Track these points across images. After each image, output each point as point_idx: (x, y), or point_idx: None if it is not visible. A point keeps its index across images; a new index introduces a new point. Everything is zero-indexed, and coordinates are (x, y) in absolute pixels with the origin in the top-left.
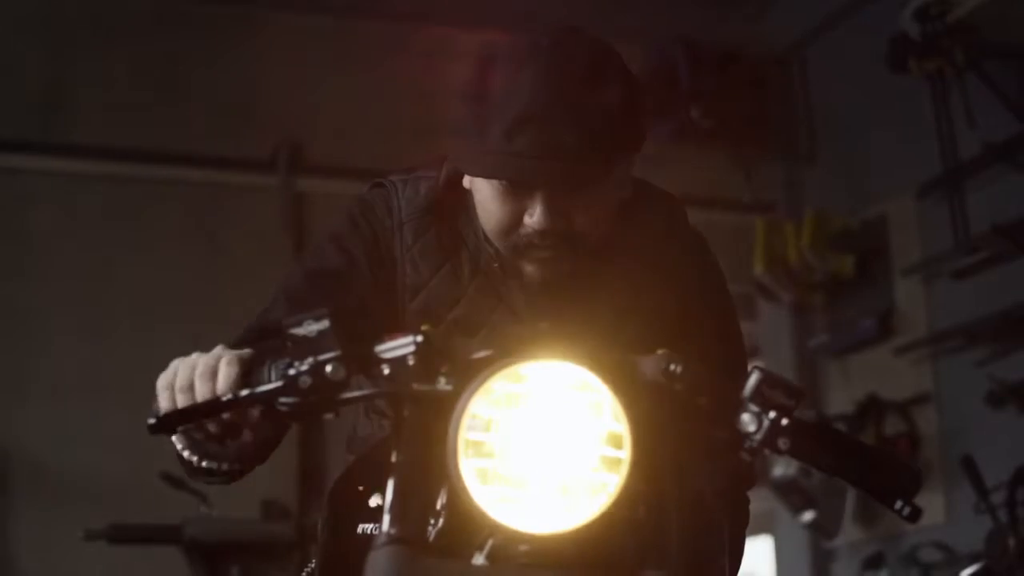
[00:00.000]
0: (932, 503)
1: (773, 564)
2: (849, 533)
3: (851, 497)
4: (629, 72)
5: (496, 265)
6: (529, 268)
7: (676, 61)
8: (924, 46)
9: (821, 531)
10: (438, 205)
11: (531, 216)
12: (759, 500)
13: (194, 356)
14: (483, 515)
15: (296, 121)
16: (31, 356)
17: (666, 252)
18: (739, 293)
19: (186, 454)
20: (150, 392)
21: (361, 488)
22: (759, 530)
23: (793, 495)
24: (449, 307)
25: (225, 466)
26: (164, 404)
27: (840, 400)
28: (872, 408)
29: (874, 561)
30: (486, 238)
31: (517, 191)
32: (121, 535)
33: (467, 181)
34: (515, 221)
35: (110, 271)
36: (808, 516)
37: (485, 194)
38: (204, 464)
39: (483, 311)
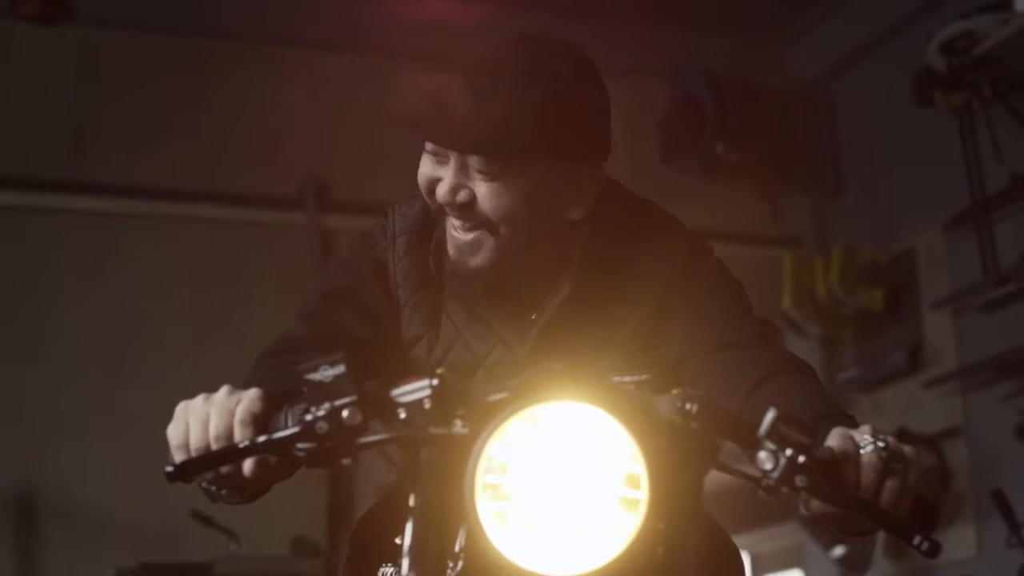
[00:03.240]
0: (963, 537)
1: None
2: (879, 567)
3: (882, 531)
4: (596, 83)
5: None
6: (452, 251)
7: (702, 96)
8: (950, 79)
9: (851, 566)
10: (424, 220)
11: (441, 185)
12: (790, 534)
13: (201, 404)
14: (501, 558)
15: (322, 158)
16: (57, 393)
17: (651, 259)
18: None
19: (204, 485)
20: None
21: (382, 530)
22: (789, 564)
23: (823, 530)
24: (433, 321)
25: (246, 494)
26: (179, 457)
27: None
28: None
29: None
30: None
31: (437, 159)
32: (151, 574)
33: None
34: (430, 187)
35: (136, 309)
36: (838, 551)
37: (423, 158)
38: (223, 493)
39: (458, 320)
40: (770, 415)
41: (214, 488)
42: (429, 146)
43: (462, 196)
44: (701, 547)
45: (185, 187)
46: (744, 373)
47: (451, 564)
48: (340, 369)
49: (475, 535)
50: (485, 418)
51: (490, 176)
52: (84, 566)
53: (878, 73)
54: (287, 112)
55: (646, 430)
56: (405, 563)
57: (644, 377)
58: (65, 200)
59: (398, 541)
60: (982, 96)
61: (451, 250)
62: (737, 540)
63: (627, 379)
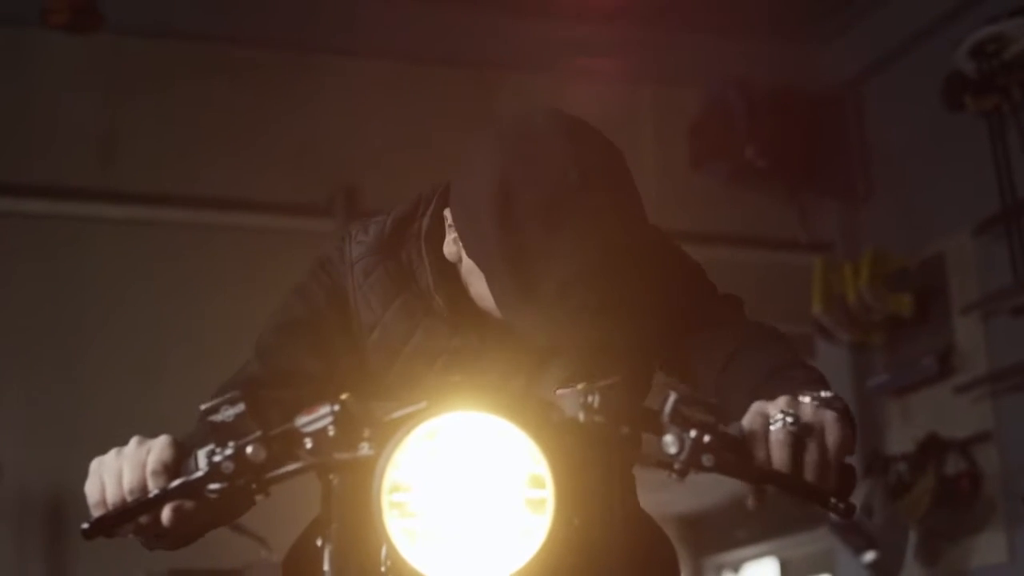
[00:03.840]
0: (994, 542)
1: None
2: (911, 572)
3: (913, 537)
4: (630, 177)
5: (447, 315)
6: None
7: (731, 101)
8: (980, 83)
9: (882, 572)
10: (386, 243)
11: None
12: (820, 540)
13: (113, 459)
14: (417, 574)
15: (352, 165)
16: (87, 400)
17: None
18: (797, 333)
19: (132, 536)
20: None
21: (310, 559)
22: (819, 570)
23: (854, 535)
24: (404, 340)
25: (176, 541)
26: (96, 513)
27: (900, 439)
28: (933, 447)
29: None
30: (450, 289)
31: None
32: None
33: (472, 277)
34: None
35: (164, 317)
36: (869, 556)
37: (484, 294)
38: (155, 540)
39: (439, 339)
40: (671, 398)
41: (142, 539)
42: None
43: None
44: (625, 539)
45: (215, 195)
46: (715, 352)
47: None
48: (240, 408)
49: (391, 554)
50: (387, 437)
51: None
52: (115, 572)
53: (907, 77)
54: (317, 119)
55: (546, 430)
56: None
57: (608, 382)
58: (95, 208)
59: (326, 568)
60: (1012, 100)
61: (479, 300)
62: (767, 547)
63: (582, 387)
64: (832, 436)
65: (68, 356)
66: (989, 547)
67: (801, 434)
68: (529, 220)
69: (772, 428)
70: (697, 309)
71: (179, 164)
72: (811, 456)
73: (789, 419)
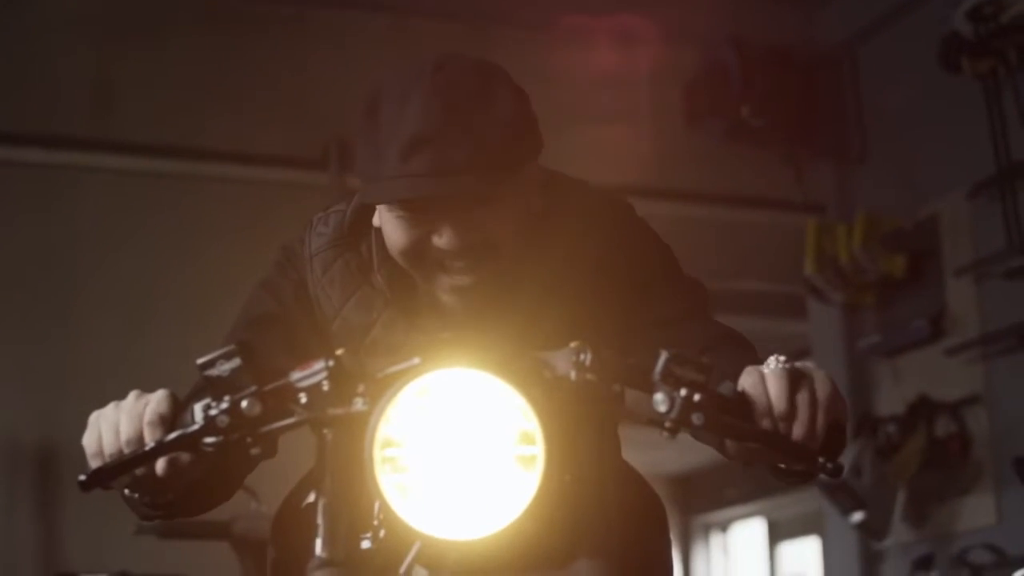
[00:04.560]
0: (983, 505)
1: (821, 565)
2: (899, 534)
3: (901, 498)
4: (515, 86)
5: (390, 296)
6: (446, 297)
7: (727, 60)
8: (977, 46)
9: (871, 532)
10: (345, 235)
11: (440, 237)
12: (808, 500)
13: (112, 411)
14: (409, 529)
15: (346, 118)
16: (79, 350)
17: (583, 236)
18: (789, 293)
19: (126, 494)
20: None
21: (303, 509)
22: (807, 531)
23: (842, 496)
24: (364, 332)
25: (168, 499)
26: (94, 465)
27: (891, 401)
28: (923, 409)
29: (924, 562)
30: (392, 266)
31: (419, 214)
32: (171, 530)
33: (376, 218)
34: (422, 246)
35: (156, 268)
36: (857, 517)
37: (391, 224)
38: (146, 501)
39: (397, 333)
40: (663, 356)
41: (136, 497)
42: (398, 211)
43: (472, 238)
44: (614, 496)
45: (209, 146)
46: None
47: (369, 536)
48: (236, 362)
49: (383, 509)
50: (380, 393)
51: (490, 207)
52: (105, 522)
53: (904, 39)
54: (311, 72)
55: (537, 387)
56: (317, 544)
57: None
58: (89, 158)
59: (319, 521)
60: (1008, 63)
61: (446, 297)
62: (755, 507)
63: (575, 345)
64: (823, 386)
65: (60, 306)
66: (977, 509)
67: (795, 375)
68: (386, 105)
69: (767, 368)
70: (664, 300)
71: (174, 115)
72: (803, 395)
73: (782, 358)
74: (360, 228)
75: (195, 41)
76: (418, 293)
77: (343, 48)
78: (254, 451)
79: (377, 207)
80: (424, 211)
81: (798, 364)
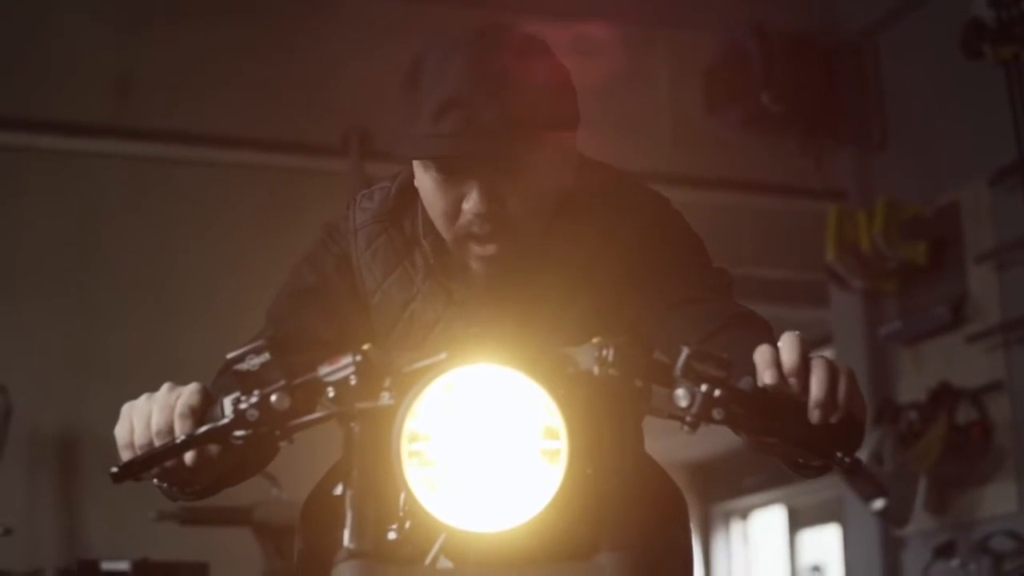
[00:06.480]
0: (1004, 492)
1: (842, 552)
2: (920, 521)
3: (922, 485)
4: (555, 59)
5: (433, 262)
6: (474, 264)
7: (748, 47)
8: (998, 32)
9: (892, 519)
10: (390, 210)
11: (468, 202)
12: (828, 488)
13: (144, 403)
14: (435, 521)
15: (366, 106)
16: (99, 338)
17: (617, 221)
18: (810, 280)
19: (156, 483)
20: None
21: (330, 501)
22: (828, 518)
23: (863, 483)
24: (403, 307)
25: (196, 489)
26: (126, 457)
27: (912, 388)
28: (944, 396)
29: (945, 549)
30: (436, 236)
31: (452, 177)
32: (192, 517)
33: (416, 180)
34: (454, 209)
35: (178, 255)
36: (879, 504)
37: (426, 186)
38: (175, 490)
39: (436, 307)
40: (684, 353)
41: (165, 485)
42: (432, 172)
43: (496, 208)
44: (636, 488)
45: (229, 133)
46: (695, 328)
47: (395, 528)
48: (265, 357)
49: (409, 502)
50: (408, 387)
51: (520, 176)
52: (126, 508)
53: (926, 25)
54: (332, 59)
55: (561, 382)
56: (345, 535)
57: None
58: (109, 144)
59: (347, 514)
60: None
61: (475, 265)
62: (775, 494)
63: (597, 340)
64: (843, 380)
65: (81, 294)
66: (999, 496)
67: (815, 369)
68: (427, 68)
69: (784, 354)
70: (683, 281)
71: (193, 102)
72: (824, 390)
73: (797, 333)
74: (404, 204)
75: (215, 29)
76: (455, 264)
77: (363, 36)
78: (283, 444)
79: (416, 173)
80: (452, 172)
81: (818, 355)
